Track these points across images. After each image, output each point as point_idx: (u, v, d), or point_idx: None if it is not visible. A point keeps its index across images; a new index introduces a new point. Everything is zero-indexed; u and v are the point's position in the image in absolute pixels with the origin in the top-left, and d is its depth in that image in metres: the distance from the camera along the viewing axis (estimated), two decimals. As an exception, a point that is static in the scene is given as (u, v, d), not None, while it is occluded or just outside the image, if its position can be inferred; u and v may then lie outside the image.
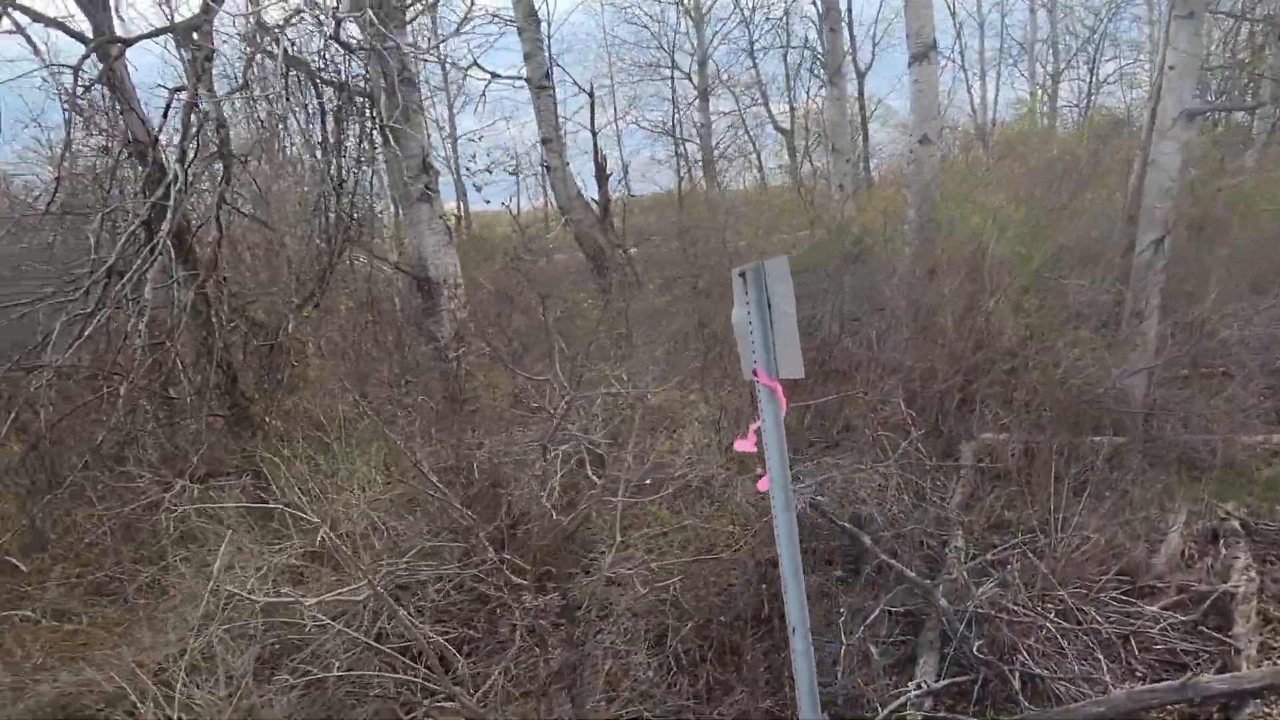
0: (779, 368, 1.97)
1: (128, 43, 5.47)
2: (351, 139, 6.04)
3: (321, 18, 5.33)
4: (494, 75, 8.64)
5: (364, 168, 5.86)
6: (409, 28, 6.04)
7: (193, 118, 5.37)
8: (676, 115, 20.98)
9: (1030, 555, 5.13)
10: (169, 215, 5.19)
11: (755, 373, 1.98)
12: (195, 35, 5.56)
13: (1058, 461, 5.90)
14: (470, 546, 4.65)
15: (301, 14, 5.39)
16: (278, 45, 5.54)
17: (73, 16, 5.74)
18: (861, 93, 20.13)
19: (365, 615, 4.00)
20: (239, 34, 5.49)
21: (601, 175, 9.43)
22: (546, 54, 9.01)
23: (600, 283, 9.45)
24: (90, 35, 5.88)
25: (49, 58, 5.50)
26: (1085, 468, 6.08)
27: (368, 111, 6.05)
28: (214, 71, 5.67)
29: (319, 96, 5.85)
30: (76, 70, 5.24)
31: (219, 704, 3.42)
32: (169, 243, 5.30)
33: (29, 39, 5.89)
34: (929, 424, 6.06)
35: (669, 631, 4.83)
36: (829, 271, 6.73)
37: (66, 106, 5.88)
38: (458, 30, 6.61)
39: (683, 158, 20.94)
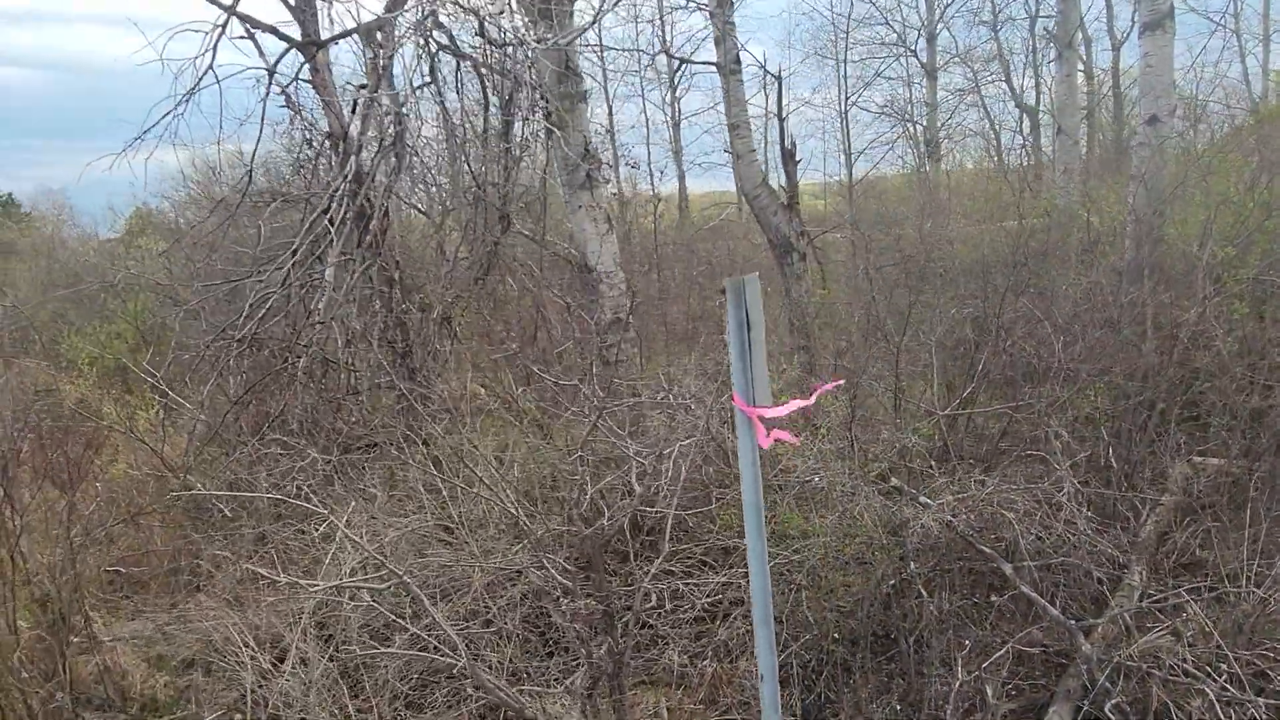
0: (755, 395, 1.81)
1: (322, 44, 5.99)
2: (518, 127, 6.28)
3: (485, 15, 5.54)
4: (682, 60, 8.61)
5: (530, 155, 6.08)
6: (574, 18, 6.13)
7: (371, 112, 5.81)
8: (906, 94, 19.96)
9: (1218, 604, 4.46)
10: (345, 203, 5.65)
11: (734, 398, 1.83)
12: (379, 35, 5.99)
13: (1268, 496, 5.09)
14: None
15: (466, 11, 5.64)
16: (449, 39, 5.84)
17: (289, 22, 6.30)
18: (1116, 66, 18.21)
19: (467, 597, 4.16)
20: (412, 29, 5.81)
21: (789, 161, 9.15)
22: (735, 39, 8.86)
23: (783, 272, 9.24)
24: (298, 38, 6.46)
25: (255, 60, 6.10)
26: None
27: (535, 101, 6.26)
28: (395, 69, 6.07)
29: (484, 87, 6.12)
30: (270, 71, 5.79)
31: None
32: (345, 228, 5.77)
33: (256, 44, 6.60)
34: (1113, 445, 5.40)
35: (787, 641, 4.67)
36: (1014, 266, 6.12)
37: (283, 104, 6.55)
38: (596, 20, 6.55)
39: (910, 140, 19.90)
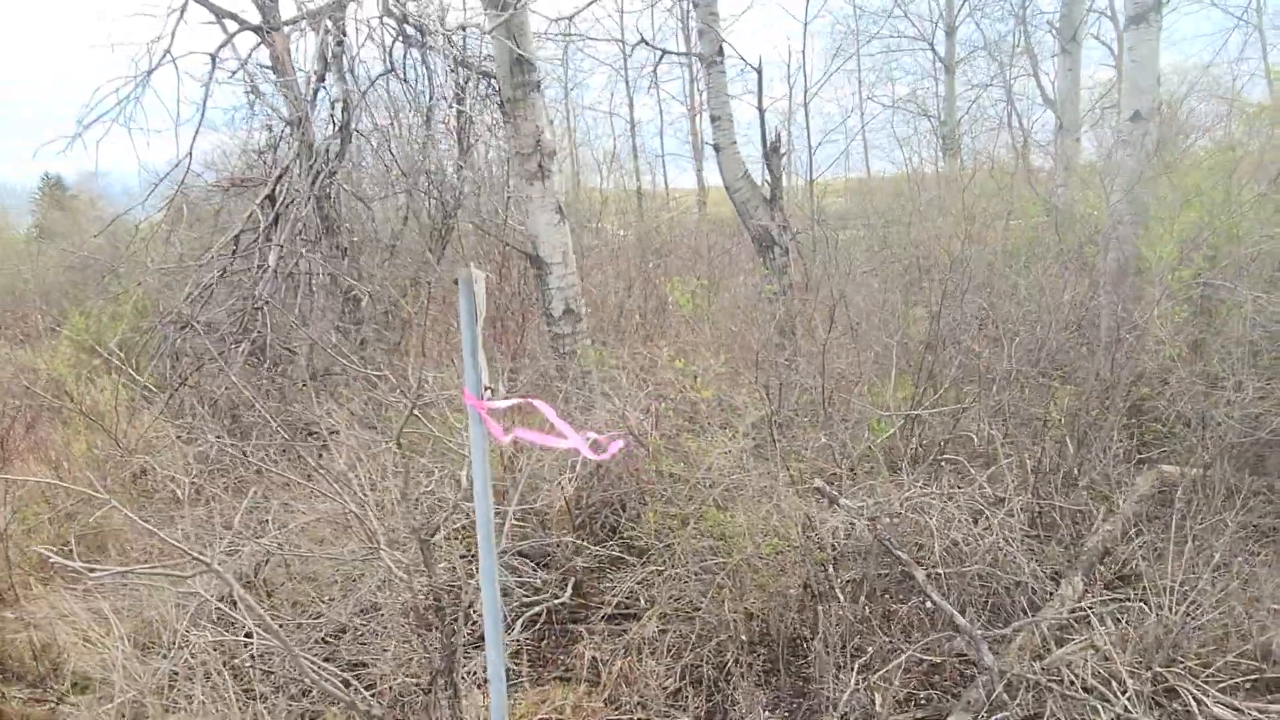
0: (477, 388, 1.75)
1: (272, 29, 6.01)
2: (470, 118, 6.25)
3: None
4: (665, 52, 8.50)
5: (485, 144, 6.05)
6: (526, 8, 6.07)
7: (318, 99, 5.82)
8: (927, 88, 19.61)
9: (1143, 618, 4.31)
10: (287, 187, 5.67)
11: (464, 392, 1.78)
12: (328, 22, 5.99)
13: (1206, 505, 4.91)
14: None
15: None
16: (401, 27, 5.82)
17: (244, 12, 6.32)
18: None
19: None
20: (365, 19, 5.80)
21: (773, 155, 9.03)
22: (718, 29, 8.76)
23: (766, 265, 9.14)
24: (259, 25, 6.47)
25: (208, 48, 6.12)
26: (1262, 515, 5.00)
27: (488, 91, 6.24)
28: (349, 55, 6.06)
29: (430, 76, 6.11)
30: (211, 56, 5.81)
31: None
32: (291, 212, 5.79)
33: (224, 28, 6.63)
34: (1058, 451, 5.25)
35: (693, 641, 4.61)
36: (954, 266, 5.95)
37: (247, 89, 6.58)
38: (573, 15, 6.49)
39: (924, 135, 19.58)
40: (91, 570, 2.20)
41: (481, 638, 4.46)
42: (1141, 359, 4.90)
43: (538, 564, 5.28)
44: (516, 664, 4.87)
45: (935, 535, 4.44)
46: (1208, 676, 3.98)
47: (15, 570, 5.29)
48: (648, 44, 8.48)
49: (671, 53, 8.53)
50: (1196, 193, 6.02)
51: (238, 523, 3.74)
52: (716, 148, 9.19)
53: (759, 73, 8.53)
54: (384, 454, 3.95)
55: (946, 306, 5.79)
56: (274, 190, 5.73)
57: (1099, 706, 3.64)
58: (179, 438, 5.79)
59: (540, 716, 4.34)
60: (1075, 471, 5.31)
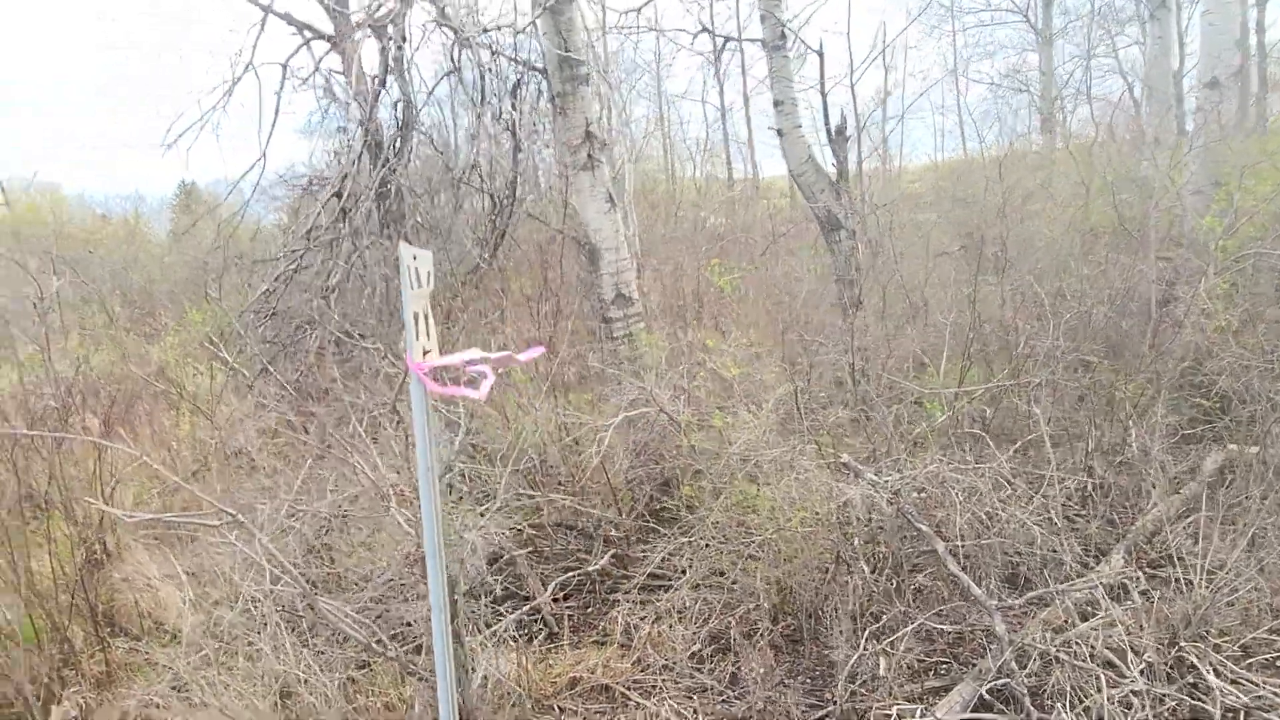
0: (411, 352, 1.99)
1: (338, 39, 6.45)
2: (525, 111, 6.55)
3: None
4: (727, 39, 8.58)
5: (535, 138, 6.35)
6: (573, 5, 6.34)
7: (381, 100, 6.24)
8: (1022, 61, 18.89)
9: (1179, 594, 4.26)
10: (353, 184, 6.11)
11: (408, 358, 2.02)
12: (390, 29, 6.39)
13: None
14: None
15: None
16: (454, 29, 6.18)
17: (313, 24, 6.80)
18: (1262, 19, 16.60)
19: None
20: (429, 22, 6.18)
21: (838, 138, 9.03)
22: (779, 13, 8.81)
23: (831, 250, 9.16)
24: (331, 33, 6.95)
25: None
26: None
27: (540, 85, 6.53)
28: (409, 58, 6.46)
29: (483, 75, 6.43)
30: (282, 66, 6.29)
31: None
32: (358, 208, 6.23)
33: (305, 38, 7.15)
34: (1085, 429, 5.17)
35: (719, 609, 4.79)
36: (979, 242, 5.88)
37: (322, 94, 7.08)
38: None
39: (1019, 111, 18.88)
40: (131, 516, 2.57)
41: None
42: (1188, 333, 4.78)
43: (579, 533, 5.57)
44: (558, 628, 5.17)
45: (958, 509, 4.49)
46: (1231, 653, 3.93)
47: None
48: (709, 31, 8.60)
49: (734, 39, 8.59)
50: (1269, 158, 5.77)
51: (296, 489, 4.12)
52: (780, 132, 9.25)
53: (820, 55, 8.54)
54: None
55: (992, 286, 5.76)
56: (340, 188, 6.18)
57: (1108, 678, 3.64)
58: (249, 416, 6.32)
59: (571, 675, 4.61)
60: (1120, 449, 5.22)
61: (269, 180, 7.48)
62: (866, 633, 4.10)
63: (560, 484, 5.34)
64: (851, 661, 3.95)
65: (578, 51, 6.42)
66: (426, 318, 2.09)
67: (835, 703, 3.93)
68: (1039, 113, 18.10)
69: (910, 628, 4.07)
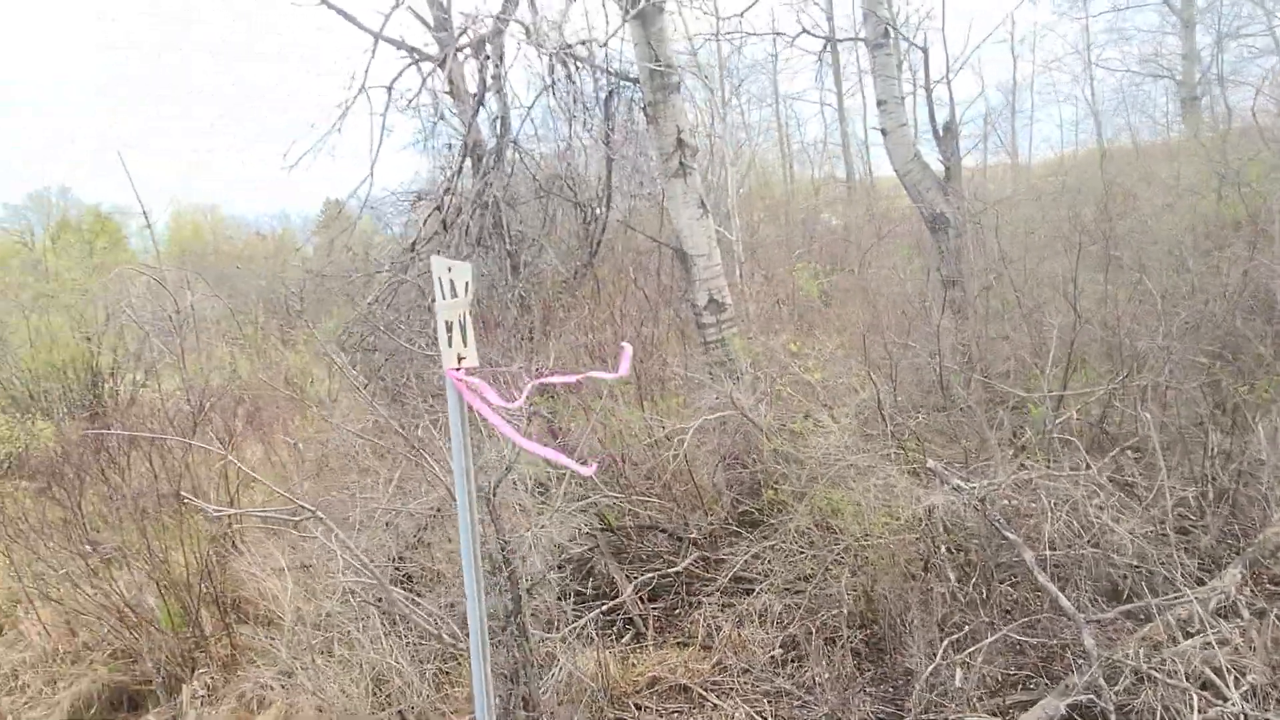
0: (446, 360, 2.10)
1: (440, 60, 6.77)
2: (618, 121, 6.69)
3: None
4: (829, 39, 8.45)
5: (627, 148, 6.48)
6: (665, 16, 6.44)
7: (480, 115, 6.51)
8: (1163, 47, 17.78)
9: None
10: (451, 199, 6.40)
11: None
12: (487, 47, 6.66)
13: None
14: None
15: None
16: (538, 46, 6.41)
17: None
18: None
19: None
20: (521, 40, 6.42)
21: (946, 135, 8.80)
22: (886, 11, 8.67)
23: (938, 248, 8.92)
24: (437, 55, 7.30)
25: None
26: None
27: (633, 95, 6.66)
28: (504, 75, 6.71)
29: (570, 85, 6.61)
30: (388, 89, 6.65)
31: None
32: (459, 220, 6.53)
33: (417, 63, 7.54)
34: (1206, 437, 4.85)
35: (800, 614, 4.76)
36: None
37: (430, 115, 7.46)
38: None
39: (1156, 99, 17.73)
40: (218, 511, 2.82)
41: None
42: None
43: (668, 535, 5.64)
44: (644, 628, 5.26)
45: (1049, 517, 4.31)
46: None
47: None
48: (809, 33, 8.54)
49: (835, 39, 8.44)
50: None
51: (391, 488, 4.36)
52: (884, 131, 9.07)
53: (925, 52, 8.33)
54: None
55: (1102, 284, 5.51)
56: (441, 202, 6.48)
57: (1203, 699, 3.43)
58: (353, 419, 6.68)
59: (651, 674, 4.69)
60: (1239, 456, 4.88)
61: (381, 196, 7.91)
62: (945, 642, 4.00)
63: (645, 486, 5.43)
64: (928, 671, 3.86)
65: (668, 61, 6.51)
66: (463, 327, 2.22)
67: (910, 712, 3.85)
68: (1180, 100, 16.95)
69: (990, 639, 3.94)
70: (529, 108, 7.29)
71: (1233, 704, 3.43)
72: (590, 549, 5.65)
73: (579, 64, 6.60)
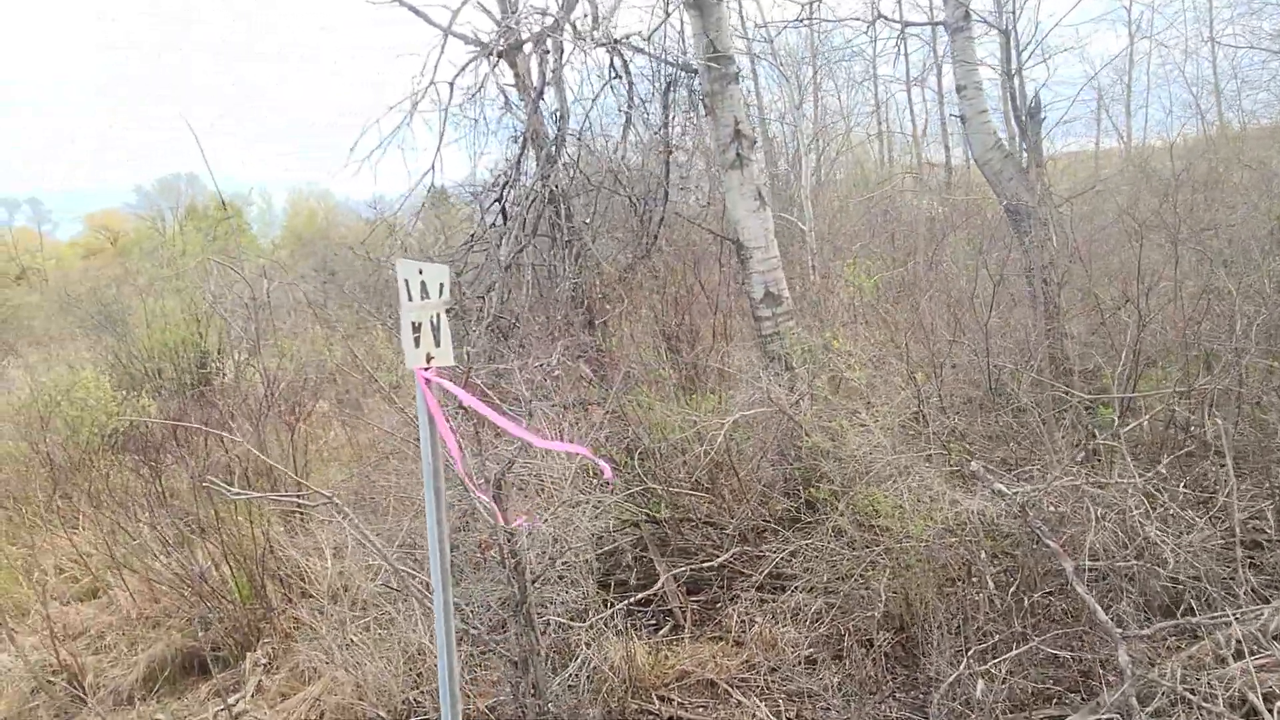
0: (410, 359, 2.15)
1: (499, 52, 6.87)
2: (677, 112, 6.66)
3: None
4: (906, 24, 8.18)
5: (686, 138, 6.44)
6: (722, 6, 6.40)
7: (540, 110, 6.58)
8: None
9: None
10: (511, 192, 6.51)
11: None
12: (548, 41, 6.73)
13: None
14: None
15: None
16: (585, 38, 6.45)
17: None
18: None
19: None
20: (576, 35, 6.48)
21: (1030, 120, 8.46)
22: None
23: (1020, 239, 8.59)
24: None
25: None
26: None
27: (691, 86, 6.62)
28: (560, 68, 6.78)
29: (627, 76, 6.61)
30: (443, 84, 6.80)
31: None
32: (521, 213, 6.65)
33: (487, 59, 7.68)
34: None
35: (834, 614, 4.69)
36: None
37: (502, 106, 7.60)
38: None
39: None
40: (238, 494, 2.99)
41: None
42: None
43: (711, 528, 5.64)
44: (683, 620, 5.28)
45: (1092, 527, 4.12)
46: None
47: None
48: (885, 19, 8.30)
49: (914, 24, 8.17)
50: None
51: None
52: (963, 119, 8.76)
53: (1005, 34, 8.00)
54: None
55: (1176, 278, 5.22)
56: (502, 194, 6.60)
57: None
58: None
59: (681, 667, 4.71)
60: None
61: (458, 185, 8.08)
62: (971, 651, 3.88)
63: (687, 479, 5.44)
64: (950, 680, 3.76)
65: (726, 51, 6.46)
66: (435, 327, 2.28)
67: (930, 721, 3.76)
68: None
69: (1017, 650, 3.81)
70: (593, 99, 7.34)
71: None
72: (635, 540, 5.70)
73: (634, 54, 6.61)
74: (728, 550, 5.35)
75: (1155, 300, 5.60)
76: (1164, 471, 4.53)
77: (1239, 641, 3.89)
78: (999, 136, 8.81)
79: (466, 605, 3.71)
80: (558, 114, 6.72)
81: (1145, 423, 5.46)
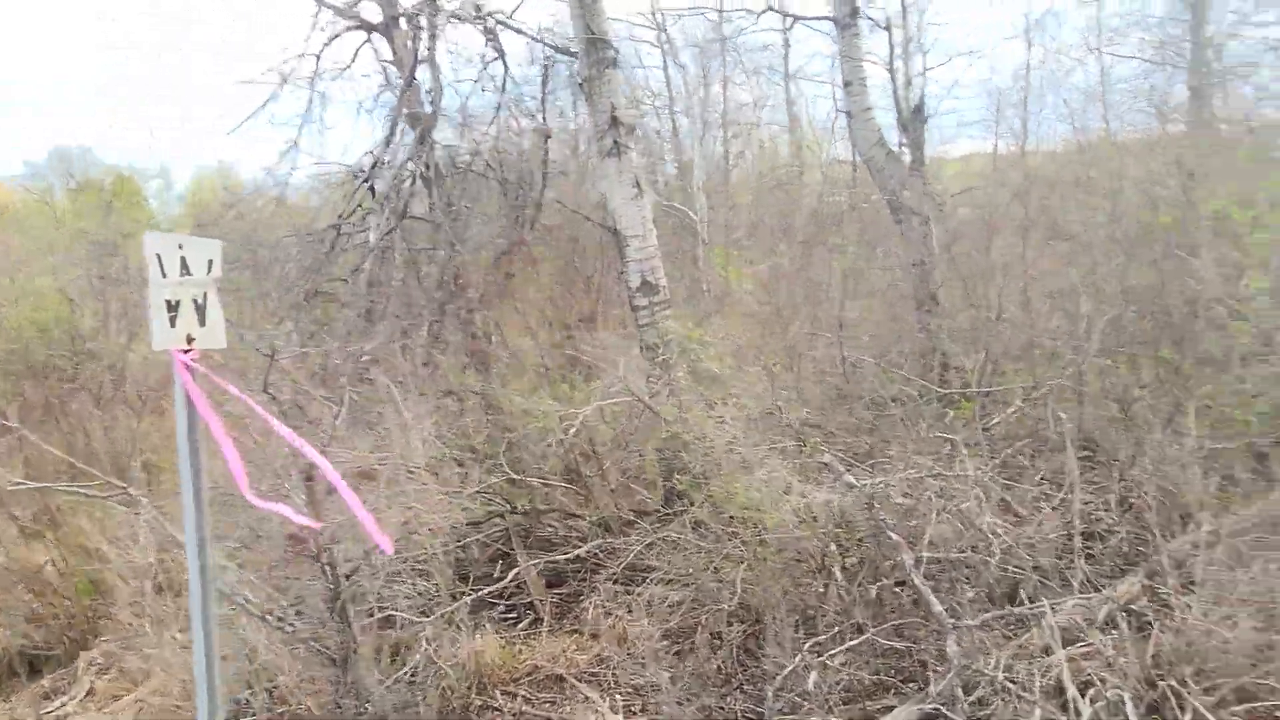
0: (162, 339, 2.00)
1: (374, 28, 6.64)
2: (555, 95, 6.56)
3: None
4: (796, 18, 8.25)
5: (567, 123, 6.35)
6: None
7: (410, 92, 6.38)
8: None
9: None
10: (378, 173, 6.31)
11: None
12: (420, 19, 6.52)
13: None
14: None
15: None
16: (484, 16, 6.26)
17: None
18: None
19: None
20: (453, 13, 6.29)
21: (913, 119, 8.59)
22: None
23: (902, 235, 8.73)
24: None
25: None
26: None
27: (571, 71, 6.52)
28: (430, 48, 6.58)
29: (504, 59, 6.47)
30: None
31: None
32: (390, 195, 6.43)
33: (370, 39, 7.41)
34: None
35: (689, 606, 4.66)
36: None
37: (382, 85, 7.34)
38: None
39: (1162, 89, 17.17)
40: (17, 484, 2.77)
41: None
42: (1209, 335, 4.24)
43: (581, 521, 5.55)
44: (541, 615, 5.19)
45: (932, 519, 4.18)
46: (1222, 697, 3.48)
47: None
48: (774, 10, 8.31)
49: (802, 18, 8.22)
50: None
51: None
52: (849, 114, 8.86)
53: (889, 31, 8.11)
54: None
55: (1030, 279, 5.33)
56: (371, 173, 6.38)
57: (1044, 713, 3.31)
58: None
59: (533, 662, 4.62)
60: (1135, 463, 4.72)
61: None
62: (809, 644, 3.89)
63: (551, 472, 5.35)
64: (785, 672, 3.76)
65: (604, 34, 6.35)
66: (200, 306, 2.12)
67: (765, 713, 3.75)
68: (1189, 90, 16.46)
69: (853, 641, 3.83)
70: (475, 80, 7.16)
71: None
72: (502, 532, 5.59)
73: (511, 34, 6.46)
74: (591, 542, 5.28)
75: (1010, 298, 5.75)
76: (1007, 464, 4.63)
77: (1065, 631, 4.02)
78: (881, 133, 8.94)
79: (291, 604, 3.54)
80: (432, 94, 6.52)
81: (1008, 417, 5.62)
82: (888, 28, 8.00)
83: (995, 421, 5.60)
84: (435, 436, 5.02)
